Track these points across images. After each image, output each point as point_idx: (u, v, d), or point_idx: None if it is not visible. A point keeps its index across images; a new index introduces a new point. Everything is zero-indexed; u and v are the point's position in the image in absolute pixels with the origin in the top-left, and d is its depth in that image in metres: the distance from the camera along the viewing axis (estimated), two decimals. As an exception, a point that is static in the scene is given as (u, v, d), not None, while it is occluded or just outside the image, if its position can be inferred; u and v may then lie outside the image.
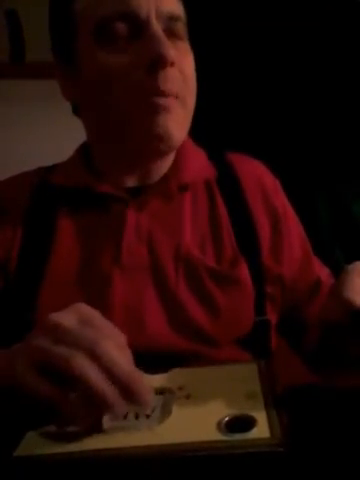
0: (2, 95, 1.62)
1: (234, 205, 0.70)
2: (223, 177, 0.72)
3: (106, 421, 0.42)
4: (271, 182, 0.76)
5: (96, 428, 0.42)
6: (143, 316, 0.62)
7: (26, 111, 1.65)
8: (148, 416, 0.43)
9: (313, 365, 0.63)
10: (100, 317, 0.44)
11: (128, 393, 0.40)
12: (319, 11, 1.62)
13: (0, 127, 1.64)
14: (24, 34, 1.62)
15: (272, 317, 0.69)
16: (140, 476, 0.38)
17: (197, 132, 0.74)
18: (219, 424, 0.41)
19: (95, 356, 0.39)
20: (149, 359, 0.46)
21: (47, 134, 1.63)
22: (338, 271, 0.77)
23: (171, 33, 0.62)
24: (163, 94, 0.60)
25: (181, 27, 0.64)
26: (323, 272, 0.75)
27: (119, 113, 0.62)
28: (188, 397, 0.46)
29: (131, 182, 0.69)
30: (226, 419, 0.41)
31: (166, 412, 0.44)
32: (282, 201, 0.76)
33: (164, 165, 0.69)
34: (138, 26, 0.60)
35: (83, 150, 0.74)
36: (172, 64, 0.59)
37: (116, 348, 0.41)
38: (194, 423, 0.42)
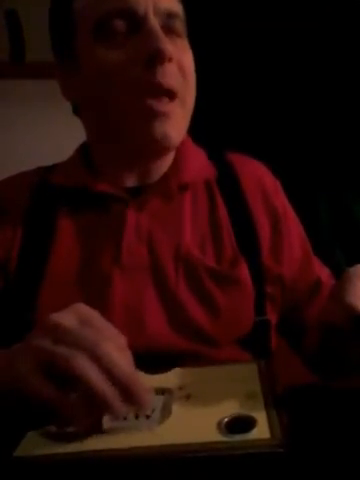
0: (2, 95, 1.62)
1: (234, 205, 0.70)
2: (223, 177, 0.72)
3: (106, 422, 0.42)
4: (271, 182, 0.76)
5: (96, 429, 0.42)
6: (143, 316, 0.62)
7: (26, 111, 1.65)
8: (148, 416, 0.43)
9: (313, 366, 0.63)
10: (100, 318, 0.44)
11: (128, 394, 0.40)
12: (319, 11, 1.62)
13: (0, 127, 1.64)
14: (24, 34, 1.62)
15: (272, 317, 0.69)
16: (140, 476, 0.38)
17: (197, 132, 0.74)
18: (219, 424, 0.41)
19: (95, 357, 0.40)
20: (149, 359, 0.46)
21: (47, 134, 1.63)
22: (338, 272, 0.77)
23: (169, 30, 0.62)
24: (161, 87, 0.60)
25: (179, 24, 0.64)
26: (323, 272, 0.75)
27: (118, 113, 0.62)
28: (188, 397, 0.46)
29: (131, 182, 0.69)
30: (226, 419, 0.41)
31: (166, 412, 0.44)
32: (282, 201, 0.76)
33: (164, 165, 0.69)
34: (136, 22, 0.60)
35: (83, 150, 0.74)
36: (170, 59, 0.60)
37: (116, 349, 0.41)
38: (194, 423, 0.42)
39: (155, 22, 0.60)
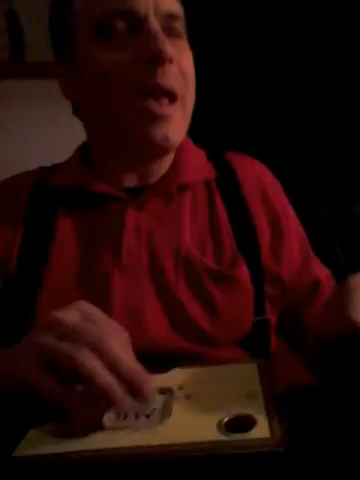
0: (2, 95, 1.62)
1: (234, 205, 0.70)
2: (223, 177, 0.72)
3: (106, 421, 0.42)
4: (271, 182, 0.76)
5: (96, 428, 0.42)
6: (143, 316, 0.62)
7: (26, 111, 1.65)
8: (148, 416, 0.43)
9: (313, 366, 0.63)
10: (102, 314, 0.44)
11: (132, 389, 0.40)
12: (319, 11, 1.62)
13: (0, 127, 1.64)
14: (24, 34, 1.62)
15: (272, 317, 0.69)
16: (140, 476, 0.38)
17: (197, 132, 0.74)
18: (219, 424, 0.41)
19: (99, 352, 0.40)
20: (149, 359, 0.46)
21: (47, 134, 1.63)
22: (338, 271, 0.77)
23: (170, 31, 0.62)
24: (161, 89, 0.60)
25: (180, 25, 0.64)
26: (323, 272, 0.75)
27: (118, 114, 0.62)
28: (188, 397, 0.46)
29: (130, 182, 0.69)
30: (226, 419, 0.41)
31: (166, 412, 0.44)
32: (282, 201, 0.76)
33: (163, 165, 0.70)
34: (137, 23, 0.61)
35: (83, 150, 0.74)
36: (170, 61, 0.60)
37: (120, 345, 0.41)
38: (194, 423, 0.42)
39: (156, 23, 0.60)
